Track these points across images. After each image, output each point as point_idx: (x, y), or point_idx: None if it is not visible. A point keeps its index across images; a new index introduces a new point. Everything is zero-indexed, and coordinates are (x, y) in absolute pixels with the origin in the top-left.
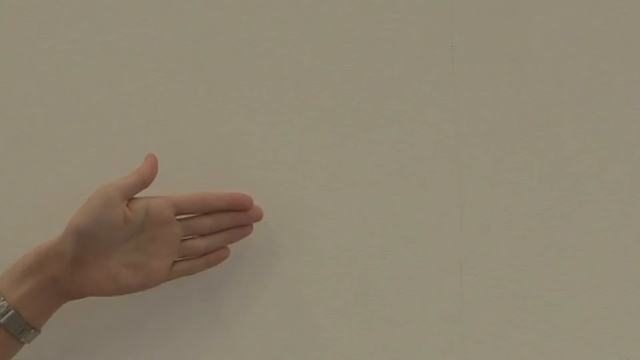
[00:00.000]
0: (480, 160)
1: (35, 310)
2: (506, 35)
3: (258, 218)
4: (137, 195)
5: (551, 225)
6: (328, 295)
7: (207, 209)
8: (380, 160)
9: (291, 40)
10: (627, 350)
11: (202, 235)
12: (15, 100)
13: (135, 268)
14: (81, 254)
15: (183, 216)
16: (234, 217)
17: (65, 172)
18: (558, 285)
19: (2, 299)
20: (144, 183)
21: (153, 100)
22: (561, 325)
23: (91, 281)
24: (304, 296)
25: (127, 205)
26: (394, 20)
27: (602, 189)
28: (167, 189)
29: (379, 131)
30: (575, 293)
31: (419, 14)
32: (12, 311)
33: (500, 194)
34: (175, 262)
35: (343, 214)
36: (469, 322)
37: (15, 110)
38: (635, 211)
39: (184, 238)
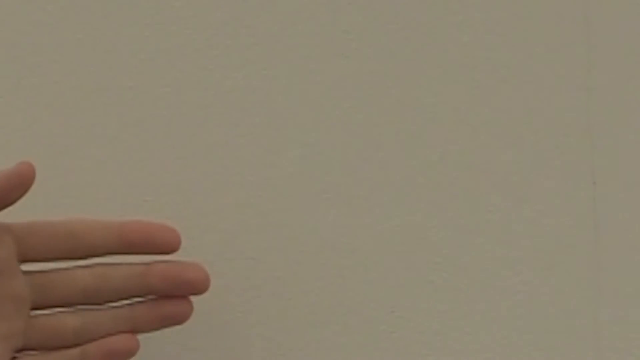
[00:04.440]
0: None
1: None
2: None
3: (194, 281)
4: None
5: None
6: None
7: (84, 251)
8: None
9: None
10: None
11: (73, 305)
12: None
13: None
14: None
15: (35, 266)
16: (138, 273)
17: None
18: None
19: None
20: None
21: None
22: None
23: None
24: None
25: None
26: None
27: None
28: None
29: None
30: None
31: None
32: None
33: None
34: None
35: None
36: None
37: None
38: None
39: (36, 309)
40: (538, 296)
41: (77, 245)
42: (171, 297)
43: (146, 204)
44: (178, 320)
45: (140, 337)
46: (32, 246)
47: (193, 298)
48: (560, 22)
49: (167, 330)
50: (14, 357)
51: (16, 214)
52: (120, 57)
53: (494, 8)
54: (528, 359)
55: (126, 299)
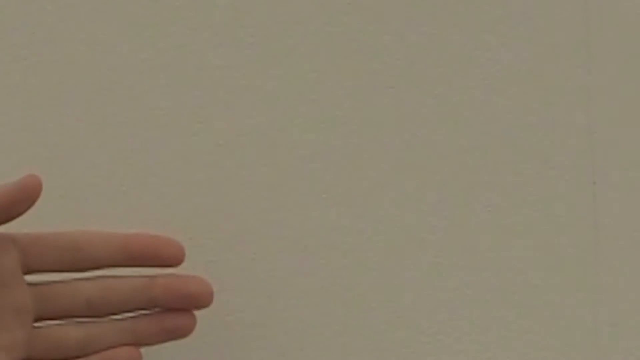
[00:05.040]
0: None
1: None
2: None
3: (197, 296)
4: None
5: None
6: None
7: (88, 263)
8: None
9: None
10: None
11: (77, 317)
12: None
13: None
14: None
15: (39, 277)
16: (142, 286)
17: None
18: None
19: None
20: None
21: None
22: None
23: None
24: None
25: None
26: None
27: None
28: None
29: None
30: None
31: None
32: None
33: None
34: None
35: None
36: None
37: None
38: None
39: (39, 320)
40: (538, 296)
41: (81, 257)
42: (174, 311)
43: (146, 205)
44: (181, 334)
45: None
46: (36, 257)
47: None
48: (560, 22)
49: None
50: None
51: (20, 224)
52: (121, 57)
53: (494, 8)
54: (528, 359)
55: (130, 311)
